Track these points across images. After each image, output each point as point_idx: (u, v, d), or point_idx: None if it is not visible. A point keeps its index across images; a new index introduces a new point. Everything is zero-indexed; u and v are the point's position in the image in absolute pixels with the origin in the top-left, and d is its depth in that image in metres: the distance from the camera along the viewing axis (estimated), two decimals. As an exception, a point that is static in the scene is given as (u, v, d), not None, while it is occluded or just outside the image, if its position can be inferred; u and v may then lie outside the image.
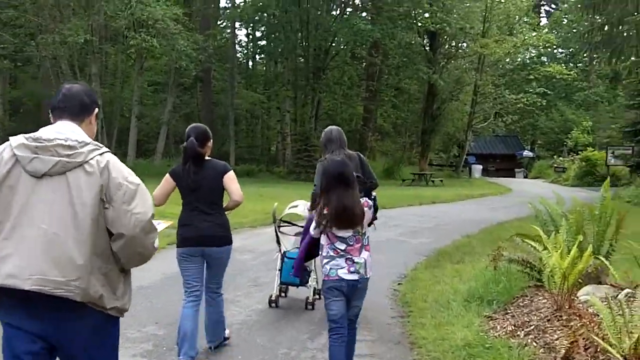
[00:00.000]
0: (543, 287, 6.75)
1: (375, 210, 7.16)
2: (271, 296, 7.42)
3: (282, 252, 7.47)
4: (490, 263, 7.67)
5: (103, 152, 2.99)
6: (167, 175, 5.53)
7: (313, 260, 6.78)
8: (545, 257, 6.07)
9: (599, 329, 4.98)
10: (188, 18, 33.12)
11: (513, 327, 5.88)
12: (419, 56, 38.77)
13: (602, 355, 4.68)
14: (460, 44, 42.40)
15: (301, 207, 7.45)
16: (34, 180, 2.86)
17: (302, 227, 6.60)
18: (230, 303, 6.93)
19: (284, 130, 40.92)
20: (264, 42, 44.95)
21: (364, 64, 42.83)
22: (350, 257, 4.64)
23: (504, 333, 5.82)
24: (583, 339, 5.00)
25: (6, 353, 2.94)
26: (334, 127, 7.15)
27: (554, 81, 52.18)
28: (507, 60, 47.74)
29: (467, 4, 37.31)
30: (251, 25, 44.05)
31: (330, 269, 4.65)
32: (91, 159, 2.92)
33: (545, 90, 47.63)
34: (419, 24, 38.20)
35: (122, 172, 2.99)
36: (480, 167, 47.74)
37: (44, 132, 2.97)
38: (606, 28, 29.31)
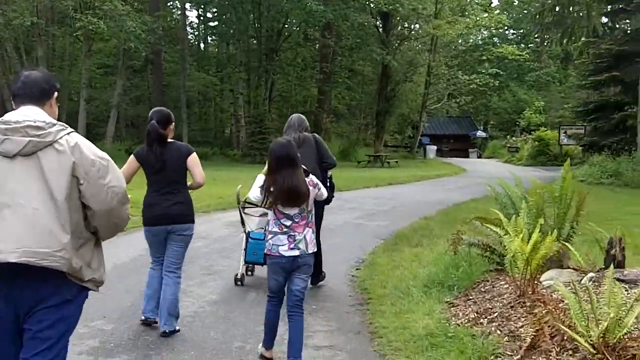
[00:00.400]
0: (504, 271, 6.61)
1: (332, 188, 7.59)
2: (237, 275, 7.64)
3: (247, 232, 7.75)
4: (449, 247, 7.49)
5: (70, 132, 3.14)
6: (132, 156, 5.77)
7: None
8: (507, 241, 5.88)
9: (565, 316, 4.83)
10: (137, -2, 32.39)
11: (475, 315, 5.71)
12: (372, 37, 38.45)
13: (569, 344, 4.53)
14: (413, 26, 42.32)
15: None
16: (8, 161, 2.99)
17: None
18: (182, 294, 6.60)
19: (237, 113, 40.38)
20: (215, 24, 44.20)
21: (317, 45, 42.42)
22: (293, 234, 4.89)
23: (466, 321, 5.65)
24: (549, 326, 4.85)
25: None
26: (295, 114, 7.53)
27: (506, 62, 52.70)
28: (460, 41, 48.07)
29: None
30: (202, 6, 43.19)
31: (273, 244, 4.91)
32: (60, 138, 3.05)
33: (498, 71, 48.11)
34: (372, 5, 37.92)
35: (92, 150, 3.14)
36: (435, 147, 47.91)
37: (11, 116, 3.11)
38: (557, 9, 29.50)
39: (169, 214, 5.65)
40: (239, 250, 9.55)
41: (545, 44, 54.09)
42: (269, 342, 5.17)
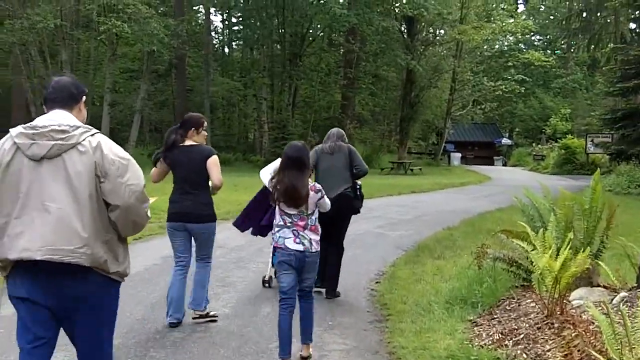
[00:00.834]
0: (530, 287, 6.30)
1: (361, 199, 7.82)
2: (264, 276, 7.91)
3: None
4: (473, 261, 7.19)
5: (94, 133, 3.34)
6: (161, 158, 6.20)
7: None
8: (535, 257, 5.57)
9: (596, 340, 4.52)
10: (161, 0, 32.36)
11: (500, 335, 5.40)
12: (397, 43, 38.10)
13: (600, 371, 4.22)
14: (438, 31, 41.97)
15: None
16: (35, 164, 3.22)
17: None
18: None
19: (260, 118, 40.19)
20: (239, 28, 44.12)
21: (342, 50, 42.10)
22: (296, 230, 5.18)
23: (490, 342, 5.34)
24: (578, 350, 4.55)
25: (18, 325, 3.33)
26: (335, 128, 8.23)
27: (532, 68, 51.97)
28: (485, 47, 47.54)
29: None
30: (226, 10, 43.18)
31: (279, 237, 5.20)
32: (83, 140, 3.26)
33: (524, 77, 47.42)
34: (396, 9, 37.61)
35: (113, 150, 3.33)
36: (459, 155, 47.45)
37: (39, 121, 3.32)
38: (584, 15, 29.06)
39: (185, 212, 6.06)
40: (255, 261, 9.39)
41: (572, 50, 53.33)
42: (283, 351, 5.15)
